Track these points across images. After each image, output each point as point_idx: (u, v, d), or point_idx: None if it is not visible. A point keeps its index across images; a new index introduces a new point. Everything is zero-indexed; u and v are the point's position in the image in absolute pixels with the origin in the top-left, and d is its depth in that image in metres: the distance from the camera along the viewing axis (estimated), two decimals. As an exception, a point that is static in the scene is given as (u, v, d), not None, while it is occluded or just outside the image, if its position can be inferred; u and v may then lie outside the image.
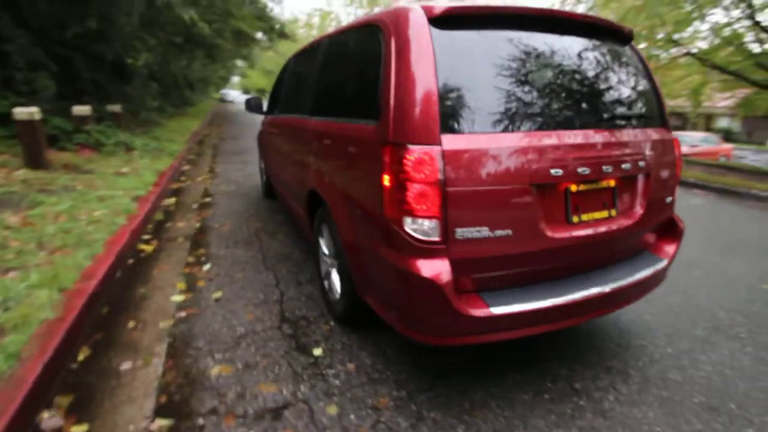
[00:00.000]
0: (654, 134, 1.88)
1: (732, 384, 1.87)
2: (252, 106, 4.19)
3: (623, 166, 1.69)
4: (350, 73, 1.94)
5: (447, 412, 1.66)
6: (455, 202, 1.42)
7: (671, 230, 2.05)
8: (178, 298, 2.54)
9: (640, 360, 2.03)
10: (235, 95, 40.85)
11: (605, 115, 1.76)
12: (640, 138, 1.80)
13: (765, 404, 1.75)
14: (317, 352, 2.05)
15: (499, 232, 1.47)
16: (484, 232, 1.46)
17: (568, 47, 1.72)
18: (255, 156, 8.19)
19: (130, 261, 3.05)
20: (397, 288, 1.55)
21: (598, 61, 1.79)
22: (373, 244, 1.65)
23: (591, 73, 1.76)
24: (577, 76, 1.71)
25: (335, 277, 2.24)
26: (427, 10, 1.54)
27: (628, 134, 1.77)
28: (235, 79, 48.82)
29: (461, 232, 1.44)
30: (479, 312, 1.45)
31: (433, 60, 1.45)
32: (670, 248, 1.99)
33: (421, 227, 1.43)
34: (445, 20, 1.53)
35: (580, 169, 1.57)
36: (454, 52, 1.51)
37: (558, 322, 1.63)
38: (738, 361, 2.05)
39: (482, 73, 1.53)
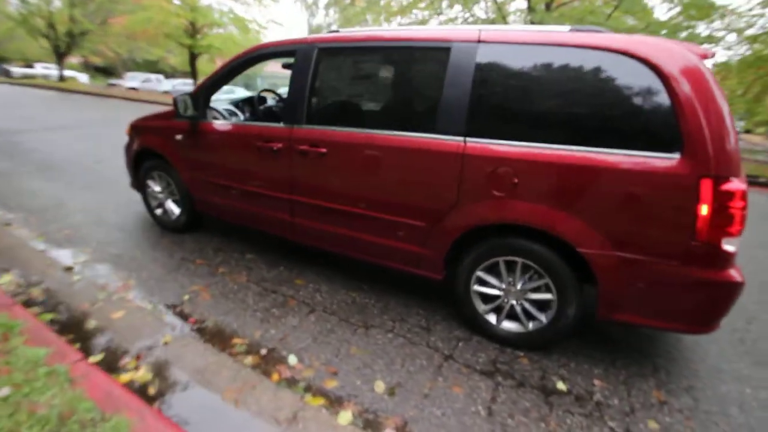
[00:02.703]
0: None
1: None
2: (184, 108, 2.75)
3: None
4: (591, 103, 1.85)
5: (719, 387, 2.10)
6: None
7: None
8: (343, 418, 1.73)
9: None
10: None
11: None
12: None
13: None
14: (561, 386, 2.00)
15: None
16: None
17: None
18: (44, 172, 5.21)
19: (159, 406, 1.70)
20: (703, 296, 1.80)
21: None
22: (667, 265, 1.80)
23: None
24: None
25: (530, 309, 2.17)
26: (694, 51, 1.74)
27: None
28: None
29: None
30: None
31: (724, 97, 1.70)
32: None
33: (733, 244, 1.73)
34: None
35: None
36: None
37: None
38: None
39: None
